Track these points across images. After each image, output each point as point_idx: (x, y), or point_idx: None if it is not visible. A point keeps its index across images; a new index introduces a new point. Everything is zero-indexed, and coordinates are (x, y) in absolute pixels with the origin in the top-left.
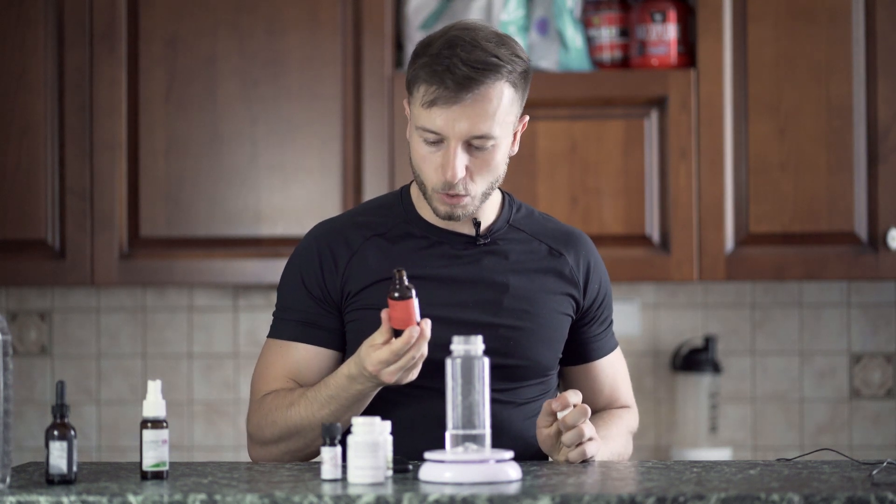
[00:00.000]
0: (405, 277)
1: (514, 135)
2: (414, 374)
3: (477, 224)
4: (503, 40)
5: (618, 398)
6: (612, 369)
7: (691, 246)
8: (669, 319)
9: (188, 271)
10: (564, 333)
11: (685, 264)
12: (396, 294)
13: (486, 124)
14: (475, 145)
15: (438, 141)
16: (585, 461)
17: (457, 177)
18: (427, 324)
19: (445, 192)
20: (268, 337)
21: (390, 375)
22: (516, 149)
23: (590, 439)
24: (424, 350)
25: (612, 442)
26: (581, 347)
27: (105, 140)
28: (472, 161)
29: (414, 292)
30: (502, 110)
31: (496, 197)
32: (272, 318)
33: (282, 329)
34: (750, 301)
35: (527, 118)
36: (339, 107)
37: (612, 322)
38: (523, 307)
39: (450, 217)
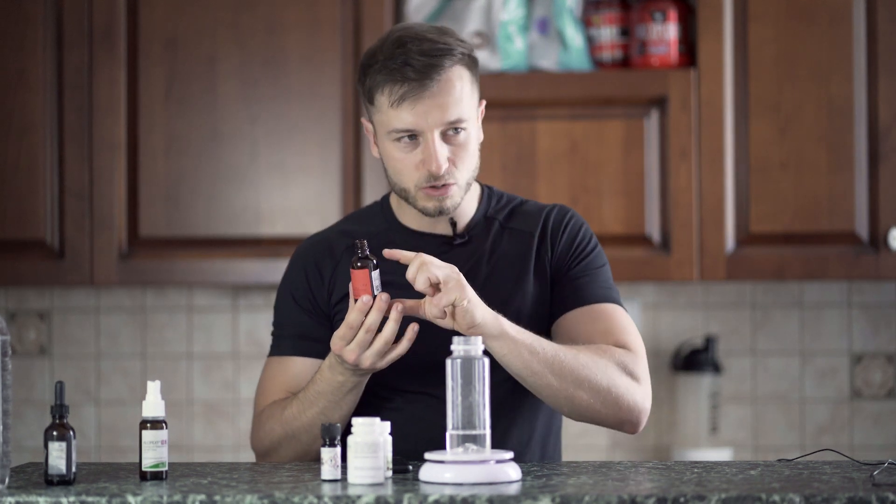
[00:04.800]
0: (366, 247)
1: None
2: (385, 359)
3: (453, 224)
4: (443, 30)
5: (611, 343)
6: (605, 317)
7: (691, 246)
8: (670, 319)
9: (188, 271)
10: (545, 324)
11: (685, 264)
12: (359, 264)
13: (457, 109)
14: (450, 134)
15: (413, 139)
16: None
17: (442, 167)
18: (385, 297)
19: (430, 185)
20: (268, 356)
21: (351, 353)
22: (481, 136)
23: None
24: (387, 332)
25: (544, 341)
26: (563, 295)
27: (105, 140)
28: (451, 150)
29: (374, 263)
30: (466, 93)
31: (475, 192)
32: (271, 337)
33: (278, 345)
34: (750, 301)
35: (484, 102)
36: (339, 107)
37: (602, 277)
38: (501, 302)
39: (440, 212)
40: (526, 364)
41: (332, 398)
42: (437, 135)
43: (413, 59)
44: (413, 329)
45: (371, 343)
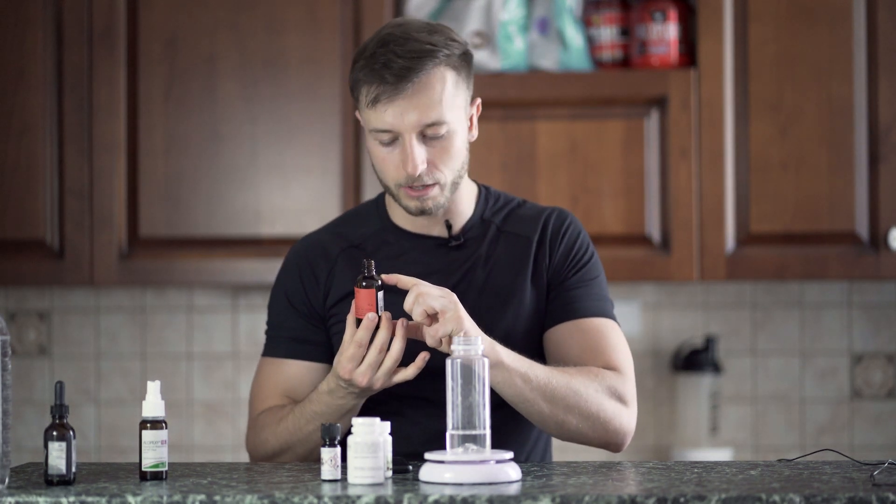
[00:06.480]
0: (373, 267)
1: (470, 119)
2: (393, 379)
3: (449, 226)
4: (435, 28)
5: (602, 363)
6: (596, 333)
7: (692, 246)
8: (670, 319)
9: (188, 271)
10: (540, 330)
11: (685, 264)
12: (364, 283)
13: (435, 111)
14: (430, 135)
15: (393, 139)
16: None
17: (418, 169)
18: (389, 316)
19: (409, 186)
20: (261, 356)
21: (363, 376)
22: (475, 134)
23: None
24: (395, 351)
25: (537, 367)
26: (556, 306)
27: (104, 140)
28: (430, 151)
29: (379, 284)
30: (448, 95)
31: (471, 193)
32: (265, 336)
33: (273, 347)
34: (751, 301)
35: (479, 101)
36: (339, 107)
37: (597, 288)
38: (496, 307)
39: (422, 212)
40: (518, 392)
41: (330, 419)
42: (413, 137)
43: (392, 62)
44: (423, 357)
45: (381, 363)
